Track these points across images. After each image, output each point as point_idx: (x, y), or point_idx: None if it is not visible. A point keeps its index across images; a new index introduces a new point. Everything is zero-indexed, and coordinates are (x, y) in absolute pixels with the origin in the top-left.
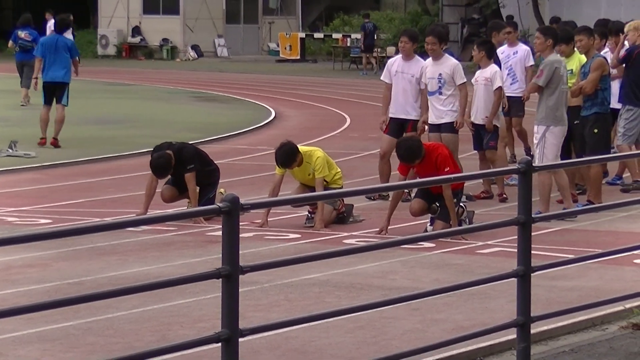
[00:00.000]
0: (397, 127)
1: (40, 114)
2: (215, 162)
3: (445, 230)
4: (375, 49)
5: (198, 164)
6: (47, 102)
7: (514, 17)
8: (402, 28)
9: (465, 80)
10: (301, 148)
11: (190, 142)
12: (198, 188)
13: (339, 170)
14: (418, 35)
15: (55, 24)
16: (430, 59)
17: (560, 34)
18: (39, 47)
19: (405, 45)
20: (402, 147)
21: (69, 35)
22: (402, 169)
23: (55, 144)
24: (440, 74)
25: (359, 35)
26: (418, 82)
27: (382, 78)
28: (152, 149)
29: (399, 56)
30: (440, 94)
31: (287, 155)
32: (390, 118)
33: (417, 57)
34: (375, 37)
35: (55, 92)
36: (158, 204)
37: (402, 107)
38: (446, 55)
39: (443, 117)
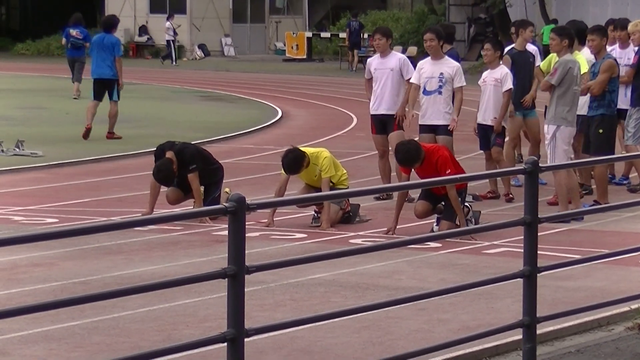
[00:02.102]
0: (381, 123)
1: (87, 104)
2: (220, 161)
3: (452, 231)
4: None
5: (200, 163)
6: (96, 97)
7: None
8: (408, 28)
9: (464, 84)
10: (307, 150)
11: (196, 142)
12: (202, 187)
13: (345, 171)
14: (391, 31)
15: (102, 22)
16: (428, 59)
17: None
18: (91, 46)
19: (379, 42)
20: (400, 151)
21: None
22: (404, 168)
23: (111, 137)
24: (441, 73)
25: (366, 35)
26: (399, 74)
27: (365, 75)
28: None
29: (377, 54)
30: (440, 93)
31: (294, 163)
32: (373, 116)
33: (393, 52)
34: (362, 36)
35: (105, 88)
36: (164, 203)
37: (386, 104)
38: (446, 56)
39: (440, 118)
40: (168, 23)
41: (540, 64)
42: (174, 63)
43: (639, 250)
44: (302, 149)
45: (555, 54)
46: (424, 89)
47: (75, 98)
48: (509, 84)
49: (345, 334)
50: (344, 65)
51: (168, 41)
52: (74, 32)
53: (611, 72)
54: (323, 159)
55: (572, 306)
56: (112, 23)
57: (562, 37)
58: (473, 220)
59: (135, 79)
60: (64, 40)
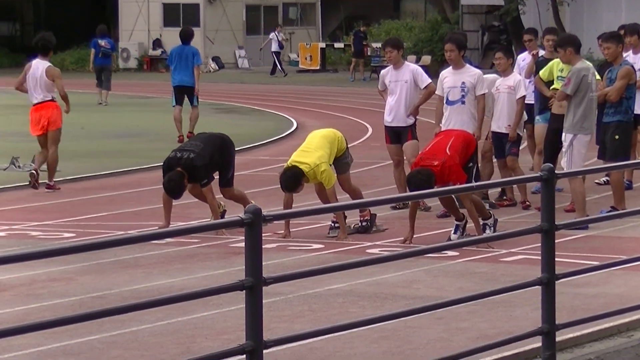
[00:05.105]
0: (395, 134)
1: (173, 114)
2: (236, 173)
3: (469, 239)
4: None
5: (212, 172)
6: (178, 102)
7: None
8: (421, 37)
9: (486, 91)
10: (302, 166)
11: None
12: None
13: (340, 135)
14: (402, 42)
15: (181, 34)
16: (450, 68)
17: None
18: (169, 56)
19: (390, 54)
20: (412, 182)
21: None
22: None
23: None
24: (463, 82)
25: (379, 44)
26: (413, 85)
27: (379, 87)
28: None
29: (391, 66)
30: (463, 103)
31: (292, 182)
32: (387, 127)
33: (407, 63)
34: (363, 44)
35: (185, 94)
36: (181, 215)
37: (401, 116)
38: (467, 64)
39: (464, 128)
40: (272, 34)
41: (540, 72)
42: (284, 74)
43: None
44: (300, 160)
45: (555, 62)
46: (447, 99)
47: (106, 104)
48: (522, 91)
49: (364, 344)
50: (358, 75)
51: (273, 52)
52: (102, 42)
53: (629, 78)
54: (321, 174)
55: (591, 313)
56: (189, 34)
57: (565, 47)
58: (493, 228)
59: (149, 93)
60: (92, 51)
